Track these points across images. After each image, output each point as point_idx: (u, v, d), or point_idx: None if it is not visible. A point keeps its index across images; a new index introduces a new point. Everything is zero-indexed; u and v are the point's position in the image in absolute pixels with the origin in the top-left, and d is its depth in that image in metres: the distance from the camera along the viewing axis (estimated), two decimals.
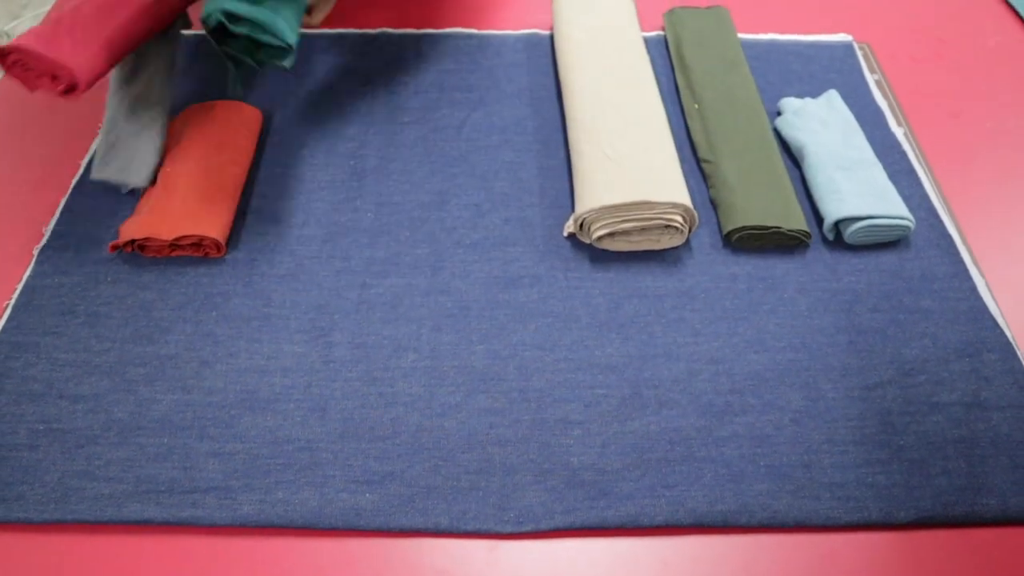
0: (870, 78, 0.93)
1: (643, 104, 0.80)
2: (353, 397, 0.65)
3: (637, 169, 0.73)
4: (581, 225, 0.74)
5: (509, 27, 0.99)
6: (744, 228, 0.74)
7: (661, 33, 0.99)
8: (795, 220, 0.74)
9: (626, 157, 0.74)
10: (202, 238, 0.72)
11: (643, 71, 0.84)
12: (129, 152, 0.74)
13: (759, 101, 0.85)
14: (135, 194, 0.77)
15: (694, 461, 0.62)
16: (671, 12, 0.98)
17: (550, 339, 0.69)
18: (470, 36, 0.98)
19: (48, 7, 0.88)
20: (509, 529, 0.58)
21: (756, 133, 0.81)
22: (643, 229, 0.73)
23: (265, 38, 0.68)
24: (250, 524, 0.58)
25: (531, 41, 0.97)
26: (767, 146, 0.80)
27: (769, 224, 0.73)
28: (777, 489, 0.60)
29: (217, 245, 0.73)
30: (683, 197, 0.71)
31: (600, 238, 0.73)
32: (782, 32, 0.99)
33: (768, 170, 0.78)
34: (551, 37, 0.97)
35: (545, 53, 0.96)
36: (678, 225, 0.71)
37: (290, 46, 0.68)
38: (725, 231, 0.75)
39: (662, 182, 0.72)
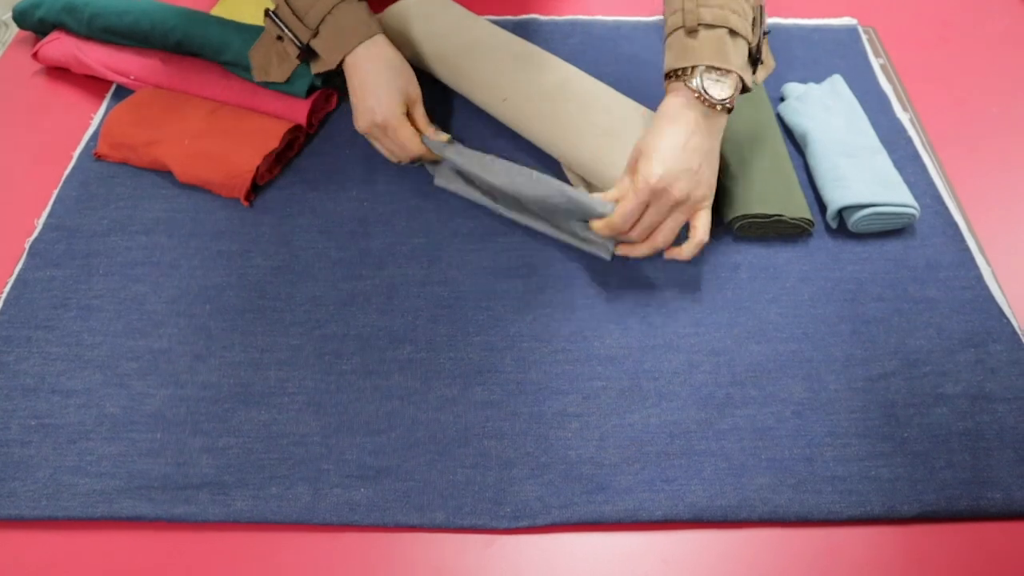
0: (875, 62, 0.91)
1: (580, 82, 0.79)
2: (348, 390, 0.64)
3: (637, 133, 0.73)
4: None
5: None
6: (745, 216, 0.72)
7: (661, 18, 0.97)
8: (797, 208, 0.72)
9: (620, 124, 0.74)
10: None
11: (542, 54, 0.83)
12: None
13: (760, 86, 0.84)
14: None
15: (694, 454, 0.61)
16: None
17: (548, 330, 0.68)
18: None
19: None
20: (506, 524, 0.58)
21: (757, 119, 0.80)
22: None
23: None
24: (243, 520, 0.58)
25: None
26: (769, 132, 0.79)
27: (771, 212, 0.72)
28: (778, 483, 0.59)
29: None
30: None
31: None
32: (786, 16, 0.97)
33: (770, 157, 0.77)
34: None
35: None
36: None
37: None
38: (726, 220, 0.74)
39: None
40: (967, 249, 0.73)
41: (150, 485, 0.59)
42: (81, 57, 0.85)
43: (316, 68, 0.75)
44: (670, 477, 0.60)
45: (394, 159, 0.78)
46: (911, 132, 0.83)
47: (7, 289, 0.70)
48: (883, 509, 0.58)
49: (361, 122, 0.74)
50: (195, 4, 0.88)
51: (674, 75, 0.65)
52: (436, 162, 0.78)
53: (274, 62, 0.76)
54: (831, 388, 0.64)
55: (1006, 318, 0.68)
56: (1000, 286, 0.71)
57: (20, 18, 0.89)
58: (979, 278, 0.71)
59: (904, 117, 0.84)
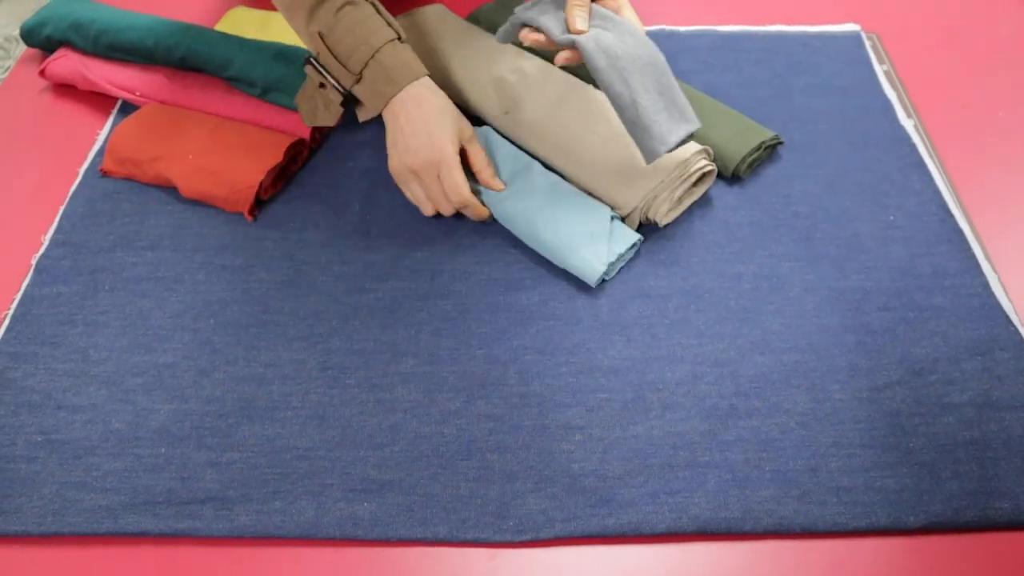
0: (879, 69, 0.91)
1: (577, 91, 0.80)
2: (351, 404, 0.64)
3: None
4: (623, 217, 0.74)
5: None
6: (744, 158, 0.78)
7: (662, 27, 0.97)
8: (759, 132, 0.79)
9: (620, 136, 0.74)
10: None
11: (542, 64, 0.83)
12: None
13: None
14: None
15: (698, 466, 0.60)
16: None
17: (551, 343, 0.68)
18: None
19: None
20: (508, 538, 0.58)
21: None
22: (687, 188, 0.75)
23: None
24: (247, 535, 0.58)
25: None
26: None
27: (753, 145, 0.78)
28: (783, 495, 0.59)
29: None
30: (695, 143, 0.74)
31: (666, 214, 0.74)
32: (789, 22, 0.97)
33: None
34: None
35: None
36: (710, 167, 0.75)
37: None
38: (731, 172, 0.79)
39: None
40: (973, 256, 0.73)
41: (155, 500, 0.59)
42: (87, 74, 0.86)
43: (362, 116, 0.73)
44: (674, 489, 0.59)
45: (429, 207, 0.74)
46: (915, 138, 0.82)
47: (14, 305, 0.71)
48: (889, 520, 0.58)
49: (406, 159, 0.71)
50: (199, 20, 0.88)
51: None
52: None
53: (320, 107, 0.74)
54: (836, 398, 0.64)
55: (1013, 326, 0.68)
56: (1007, 293, 0.70)
57: (27, 35, 0.90)
58: (985, 285, 0.71)
59: (908, 124, 0.84)
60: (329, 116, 0.74)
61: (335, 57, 0.71)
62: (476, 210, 0.73)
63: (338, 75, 0.71)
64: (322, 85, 0.73)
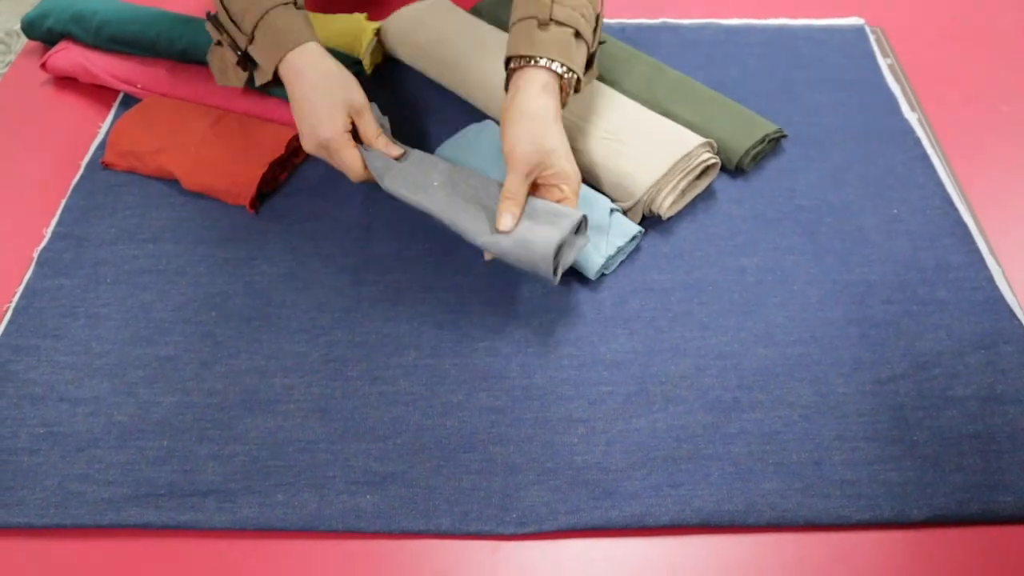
0: (883, 62, 0.91)
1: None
2: (354, 397, 0.64)
3: (644, 135, 0.74)
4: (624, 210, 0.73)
5: None
6: (747, 151, 0.78)
7: (665, 21, 0.97)
8: (763, 125, 0.79)
9: (623, 130, 0.74)
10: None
11: None
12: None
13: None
14: None
15: (701, 459, 0.60)
16: None
17: (553, 335, 0.68)
18: None
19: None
20: (512, 530, 0.57)
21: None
22: (691, 181, 0.74)
23: None
24: (249, 527, 0.58)
25: None
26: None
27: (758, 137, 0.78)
28: (786, 487, 0.59)
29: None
30: (698, 136, 0.74)
31: (670, 207, 0.74)
32: (793, 16, 0.97)
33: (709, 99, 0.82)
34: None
35: None
36: (713, 160, 0.75)
37: None
38: (735, 164, 0.78)
39: (674, 132, 0.74)
40: (977, 250, 0.73)
41: (157, 493, 0.59)
42: (88, 67, 0.86)
43: (259, 79, 0.71)
44: (677, 482, 0.59)
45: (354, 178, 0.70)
46: (919, 132, 0.82)
47: (16, 298, 0.71)
48: (893, 513, 0.58)
49: (306, 143, 0.69)
50: (200, 13, 0.88)
51: (519, 60, 0.67)
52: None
53: (228, 67, 0.73)
54: (839, 391, 0.64)
55: (1017, 319, 0.68)
56: (1011, 287, 0.70)
57: (29, 28, 0.90)
58: (989, 279, 0.71)
59: (912, 117, 0.84)
60: (237, 78, 0.73)
61: (230, 16, 0.69)
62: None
63: (234, 35, 0.70)
64: (219, 43, 0.72)
